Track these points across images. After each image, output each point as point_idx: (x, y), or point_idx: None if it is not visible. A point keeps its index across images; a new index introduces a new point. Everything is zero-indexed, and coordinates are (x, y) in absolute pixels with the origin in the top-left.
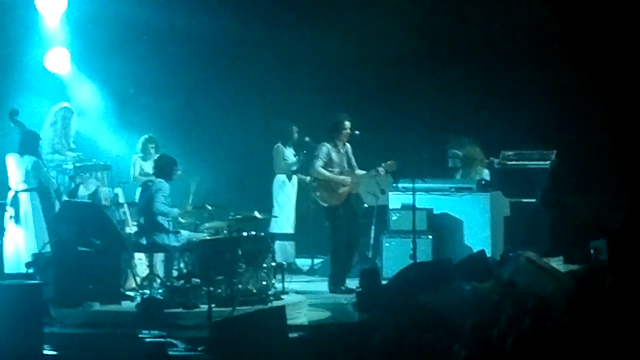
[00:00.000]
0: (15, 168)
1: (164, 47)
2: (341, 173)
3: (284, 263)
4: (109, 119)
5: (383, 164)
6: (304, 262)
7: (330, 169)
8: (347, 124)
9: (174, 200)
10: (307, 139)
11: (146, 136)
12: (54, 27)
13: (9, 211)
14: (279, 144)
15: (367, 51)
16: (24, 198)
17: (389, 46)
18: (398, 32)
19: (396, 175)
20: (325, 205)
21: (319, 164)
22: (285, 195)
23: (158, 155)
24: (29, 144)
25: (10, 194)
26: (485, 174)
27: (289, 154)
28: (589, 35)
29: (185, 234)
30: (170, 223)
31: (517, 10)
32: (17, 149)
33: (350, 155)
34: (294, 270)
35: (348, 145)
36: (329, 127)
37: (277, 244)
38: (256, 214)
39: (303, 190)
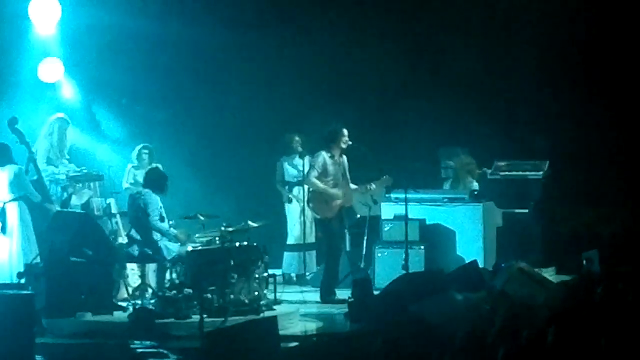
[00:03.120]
0: None
1: (157, 56)
2: (336, 184)
3: (281, 274)
4: (102, 129)
5: (373, 182)
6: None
7: (325, 180)
8: (345, 132)
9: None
10: (300, 149)
11: (142, 145)
12: (47, 37)
13: None
14: (281, 159)
15: (361, 62)
16: (11, 209)
17: (383, 57)
18: (392, 44)
19: (389, 186)
20: (319, 217)
21: (313, 174)
22: (288, 206)
23: (151, 164)
24: (4, 156)
25: None
26: (475, 185)
27: (290, 166)
28: (582, 44)
29: (175, 247)
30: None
31: (511, 20)
32: None
33: (346, 167)
34: (288, 281)
35: (344, 156)
36: (326, 136)
37: (285, 255)
38: (250, 223)
39: None
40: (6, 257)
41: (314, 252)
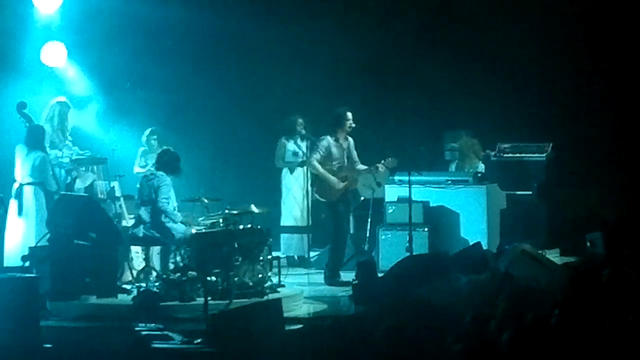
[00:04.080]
0: (22, 161)
1: (161, 40)
2: (340, 168)
3: (284, 256)
4: (106, 113)
5: (383, 161)
6: None
7: (329, 163)
8: (350, 115)
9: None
10: (303, 132)
11: (150, 129)
12: (50, 21)
13: (12, 203)
14: (282, 138)
15: (365, 46)
16: (28, 191)
17: (387, 39)
18: (396, 27)
19: (393, 168)
20: (323, 200)
21: (315, 157)
22: (285, 187)
23: (161, 148)
24: (37, 138)
25: (15, 186)
26: (480, 167)
27: (292, 147)
28: (586, 28)
29: (181, 227)
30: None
31: (513, 4)
32: (24, 142)
33: (352, 149)
34: (292, 264)
35: (350, 139)
36: (331, 119)
37: (282, 237)
38: (253, 207)
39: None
40: (20, 239)
41: (307, 236)
